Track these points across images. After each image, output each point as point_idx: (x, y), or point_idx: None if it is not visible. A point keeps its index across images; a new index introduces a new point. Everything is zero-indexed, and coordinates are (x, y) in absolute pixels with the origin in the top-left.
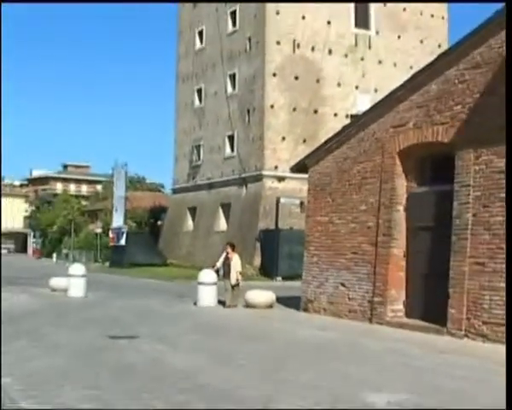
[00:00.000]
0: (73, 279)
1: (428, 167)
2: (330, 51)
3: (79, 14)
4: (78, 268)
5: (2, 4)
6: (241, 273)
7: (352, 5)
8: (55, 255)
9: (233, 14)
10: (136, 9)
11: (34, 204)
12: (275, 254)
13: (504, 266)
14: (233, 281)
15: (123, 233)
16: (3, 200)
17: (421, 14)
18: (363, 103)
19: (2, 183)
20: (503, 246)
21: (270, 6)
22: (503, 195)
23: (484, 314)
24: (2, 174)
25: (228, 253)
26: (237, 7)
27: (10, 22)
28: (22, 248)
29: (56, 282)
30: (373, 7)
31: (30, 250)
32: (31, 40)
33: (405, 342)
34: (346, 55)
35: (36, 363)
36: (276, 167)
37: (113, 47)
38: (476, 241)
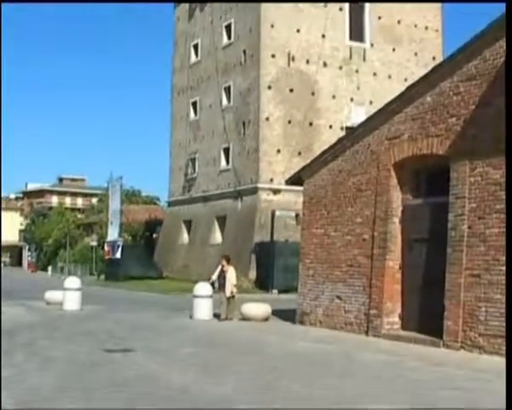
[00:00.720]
0: (69, 292)
1: (423, 179)
2: (325, 64)
3: (75, 25)
4: (73, 281)
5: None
6: (236, 286)
7: (346, 18)
8: (50, 269)
9: (228, 27)
10: (132, 23)
11: (29, 217)
12: (270, 266)
13: (500, 277)
14: (228, 294)
15: (118, 246)
16: None
17: (415, 26)
18: (358, 116)
19: None
20: (499, 258)
21: (265, 19)
22: (499, 206)
23: (480, 326)
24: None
25: (223, 266)
26: (232, 20)
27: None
28: (17, 261)
29: (52, 295)
30: (367, 20)
31: (25, 264)
32: (26, 49)
33: (402, 355)
34: (340, 68)
35: (31, 377)
36: (271, 180)
37: (108, 60)
38: (472, 253)
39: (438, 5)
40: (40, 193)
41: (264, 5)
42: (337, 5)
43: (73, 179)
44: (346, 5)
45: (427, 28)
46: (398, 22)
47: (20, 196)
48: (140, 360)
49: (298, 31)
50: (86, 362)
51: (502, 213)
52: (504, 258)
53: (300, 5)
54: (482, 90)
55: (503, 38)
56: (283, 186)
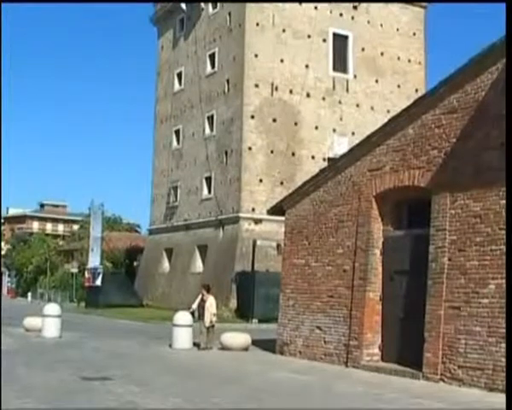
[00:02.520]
0: (48, 319)
1: (405, 211)
2: (308, 94)
3: (59, 53)
4: (52, 308)
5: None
6: (215, 315)
7: (330, 49)
8: (30, 295)
9: (212, 56)
10: (115, 50)
11: (10, 243)
12: (251, 296)
13: (480, 310)
14: (207, 323)
15: (99, 273)
16: None
17: (398, 59)
18: (341, 146)
19: None
20: (479, 290)
21: (249, 49)
22: (479, 239)
23: (459, 358)
24: None
25: (203, 295)
26: (216, 49)
27: None
28: None
29: (31, 321)
30: (351, 51)
31: (4, 289)
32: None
33: (381, 387)
34: (323, 99)
35: (9, 405)
36: (253, 209)
37: (91, 87)
38: (452, 285)
39: (421, 38)
40: (21, 218)
41: (248, 35)
42: (321, 36)
43: (55, 205)
44: (330, 36)
45: (410, 61)
46: (382, 54)
47: (1, 221)
48: (118, 389)
49: (281, 61)
50: (64, 390)
51: (482, 245)
52: (484, 290)
53: (284, 36)
54: (463, 123)
55: (484, 74)
56: (265, 216)
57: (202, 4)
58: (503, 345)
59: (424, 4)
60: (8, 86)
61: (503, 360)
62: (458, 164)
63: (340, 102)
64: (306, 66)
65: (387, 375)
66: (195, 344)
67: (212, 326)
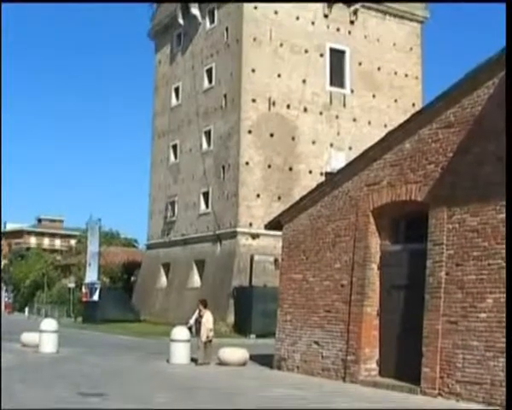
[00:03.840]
0: (45, 335)
1: (402, 226)
2: (305, 109)
3: (55, 68)
4: (50, 323)
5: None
6: (212, 330)
7: (327, 64)
8: (27, 310)
9: (209, 71)
10: (113, 65)
11: (7, 258)
12: (248, 311)
13: (477, 324)
14: (204, 338)
15: (96, 288)
16: None
17: (395, 73)
18: (338, 161)
19: None
20: (476, 304)
21: (246, 64)
22: (476, 253)
23: (457, 373)
24: None
25: (200, 310)
26: (213, 64)
27: None
28: None
29: (28, 337)
30: (348, 66)
31: (2, 305)
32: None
33: (378, 402)
34: (320, 113)
35: None
36: (250, 224)
37: (89, 101)
38: (449, 299)
39: (418, 53)
40: (18, 233)
41: (245, 50)
42: (318, 51)
43: (52, 220)
44: (327, 51)
45: (407, 75)
46: (379, 69)
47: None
48: (115, 405)
49: (279, 76)
50: (61, 406)
51: (479, 260)
52: (482, 305)
53: (281, 50)
54: (460, 137)
55: (481, 88)
56: (262, 231)
57: (200, 19)
58: (501, 360)
59: (421, 19)
60: (6, 103)
61: (501, 374)
62: (455, 178)
63: (337, 117)
64: (303, 81)
65: (385, 390)
66: (193, 359)
67: (210, 341)
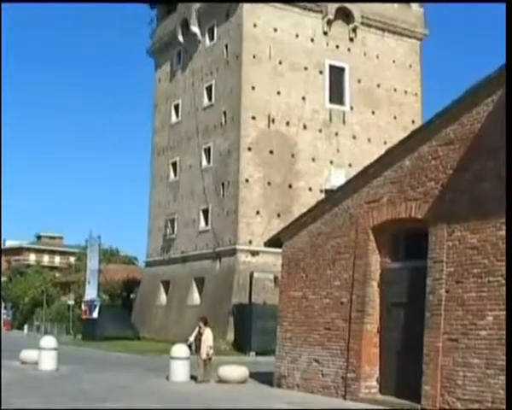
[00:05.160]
0: (44, 352)
1: (402, 243)
2: (305, 126)
3: (54, 85)
4: (49, 341)
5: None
6: (212, 348)
7: (326, 81)
8: (26, 327)
9: (209, 88)
10: (112, 83)
11: (6, 275)
12: (248, 328)
13: (477, 341)
14: (204, 356)
15: (96, 306)
16: None
17: (394, 90)
18: (338, 178)
19: None
20: (477, 322)
21: (246, 81)
22: (476, 270)
23: (458, 390)
24: None
25: (200, 327)
26: (213, 81)
27: None
28: None
29: (27, 354)
30: (347, 83)
31: (0, 322)
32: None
33: None
34: (320, 131)
35: None
36: (250, 242)
37: (88, 118)
38: (450, 317)
39: (417, 70)
40: (18, 250)
41: (245, 67)
42: (317, 68)
43: (51, 237)
44: (327, 68)
45: (406, 92)
46: (378, 86)
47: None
48: None
49: (278, 93)
50: None
51: (479, 277)
52: (482, 322)
53: (281, 68)
54: (460, 154)
55: (480, 106)
56: (262, 248)
57: (199, 36)
58: (502, 377)
59: (420, 36)
60: (6, 119)
61: (502, 392)
62: (455, 196)
63: (336, 134)
64: (303, 98)
65: (386, 408)
66: (193, 377)
67: (209, 359)
